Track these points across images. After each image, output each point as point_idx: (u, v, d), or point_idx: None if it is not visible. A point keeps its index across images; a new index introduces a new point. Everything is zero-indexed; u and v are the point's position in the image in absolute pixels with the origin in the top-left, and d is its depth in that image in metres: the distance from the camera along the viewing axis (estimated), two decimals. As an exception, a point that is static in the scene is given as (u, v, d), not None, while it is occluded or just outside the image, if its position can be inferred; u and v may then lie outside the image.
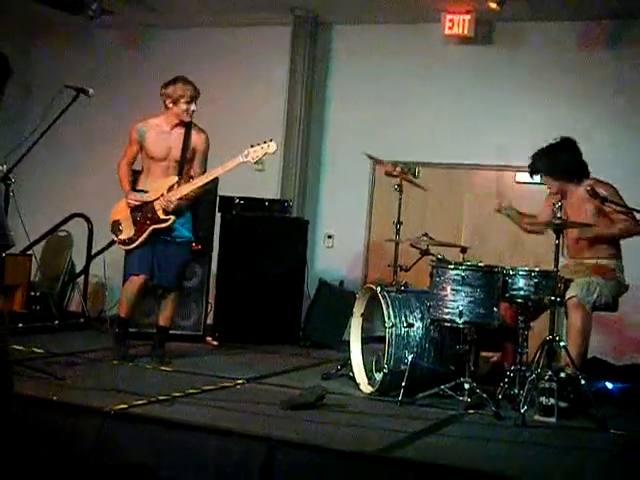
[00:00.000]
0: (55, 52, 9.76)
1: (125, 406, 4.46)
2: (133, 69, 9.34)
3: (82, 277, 8.17)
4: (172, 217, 5.89)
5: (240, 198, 7.62)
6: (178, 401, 4.80)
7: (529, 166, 5.81)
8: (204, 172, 6.05)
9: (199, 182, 5.91)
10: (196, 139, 6.03)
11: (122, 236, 6.03)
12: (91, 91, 5.52)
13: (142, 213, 5.95)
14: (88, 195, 8.73)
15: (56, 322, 7.35)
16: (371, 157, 7.74)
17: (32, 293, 7.89)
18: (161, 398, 4.78)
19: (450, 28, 8.07)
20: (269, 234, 7.68)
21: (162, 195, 5.90)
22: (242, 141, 8.68)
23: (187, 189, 5.89)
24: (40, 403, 4.51)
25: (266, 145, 5.83)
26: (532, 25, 8.15)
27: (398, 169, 6.02)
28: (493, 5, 7.36)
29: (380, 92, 8.62)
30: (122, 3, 8.53)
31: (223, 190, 7.56)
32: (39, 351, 6.09)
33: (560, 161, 5.66)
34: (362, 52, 8.73)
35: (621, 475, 4.03)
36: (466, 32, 8.04)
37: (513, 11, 7.68)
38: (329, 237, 8.78)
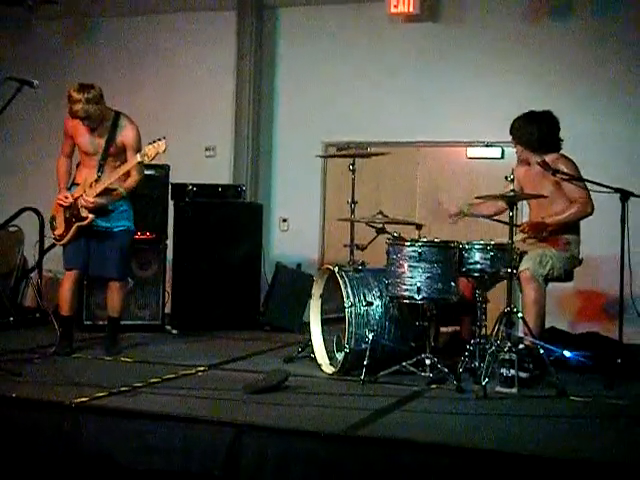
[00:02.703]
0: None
1: (86, 399, 4.41)
2: (77, 59, 9.19)
3: (35, 272, 8.06)
4: (91, 216, 5.79)
5: (193, 185, 7.57)
6: (140, 391, 4.77)
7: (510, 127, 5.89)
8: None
9: (108, 181, 5.77)
10: (124, 133, 5.87)
11: (56, 232, 6.01)
12: (36, 82, 5.36)
13: (70, 210, 5.88)
14: (37, 188, 8.55)
15: (11, 318, 7.25)
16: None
17: (-16, 291, 7.77)
18: (122, 389, 4.74)
19: (396, 6, 8.08)
20: (224, 220, 7.65)
21: (84, 193, 5.84)
22: (192, 128, 8.71)
23: (99, 188, 5.76)
24: (-1, 400, 4.45)
25: (156, 144, 5.64)
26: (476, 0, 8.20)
27: (351, 150, 6.03)
28: (437, -19, 7.38)
29: (328, 73, 8.61)
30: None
31: (175, 177, 7.49)
32: (-5, 348, 6.02)
33: (529, 130, 5.73)
34: (309, 34, 8.70)
35: (582, 440, 4.09)
36: (412, 10, 8.05)
37: (457, -13, 7.72)
38: (284, 220, 8.76)
